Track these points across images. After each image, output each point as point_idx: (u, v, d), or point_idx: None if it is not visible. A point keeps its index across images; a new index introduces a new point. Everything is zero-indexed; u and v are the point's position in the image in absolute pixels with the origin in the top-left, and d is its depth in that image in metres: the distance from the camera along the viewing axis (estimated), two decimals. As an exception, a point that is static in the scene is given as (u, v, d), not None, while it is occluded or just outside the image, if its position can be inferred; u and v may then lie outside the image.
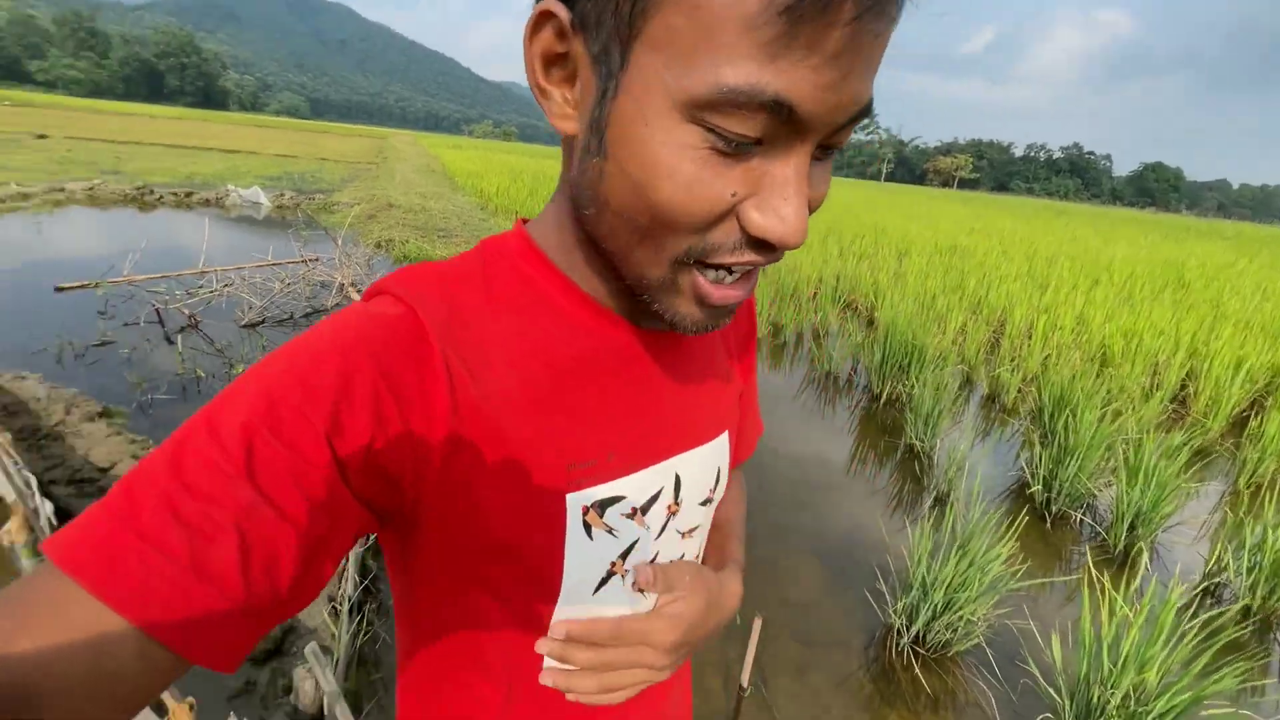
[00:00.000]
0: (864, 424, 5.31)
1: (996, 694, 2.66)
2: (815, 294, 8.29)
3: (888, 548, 3.62)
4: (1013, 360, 6.44)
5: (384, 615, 2.74)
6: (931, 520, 3.19)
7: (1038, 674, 2.56)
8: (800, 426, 5.22)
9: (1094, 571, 3.40)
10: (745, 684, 2.52)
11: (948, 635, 2.73)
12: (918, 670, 2.76)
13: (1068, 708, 2.33)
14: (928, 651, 2.82)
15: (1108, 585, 2.72)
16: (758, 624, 2.40)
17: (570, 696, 0.49)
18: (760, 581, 3.35)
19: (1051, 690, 2.42)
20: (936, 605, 2.66)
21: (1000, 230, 19.05)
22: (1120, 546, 3.74)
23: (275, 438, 0.34)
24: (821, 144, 0.37)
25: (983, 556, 2.63)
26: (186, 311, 5.98)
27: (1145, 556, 3.59)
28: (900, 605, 2.86)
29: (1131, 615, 2.34)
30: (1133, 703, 2.16)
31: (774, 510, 4.01)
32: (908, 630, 2.81)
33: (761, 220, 0.36)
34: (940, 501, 4.16)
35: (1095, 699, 2.24)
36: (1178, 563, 3.72)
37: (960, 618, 2.67)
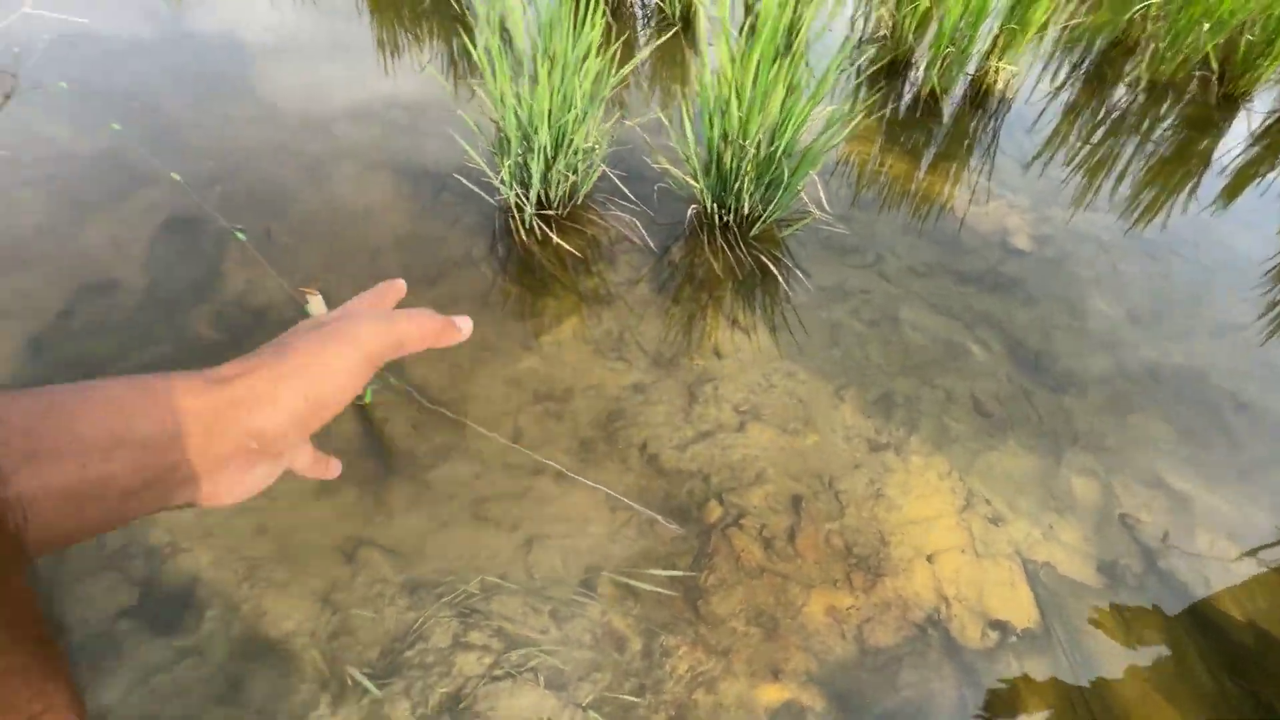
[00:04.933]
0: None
1: (638, 215, 2.27)
2: None
3: (453, 116, 2.68)
4: None
5: None
6: (485, 48, 2.23)
7: (670, 168, 2.18)
8: None
9: (664, 36, 3.01)
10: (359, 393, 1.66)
11: (571, 179, 2.11)
12: (555, 238, 2.19)
13: (707, 188, 2.01)
14: (557, 210, 2.23)
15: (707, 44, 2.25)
16: (316, 304, 1.41)
17: None
18: (321, 255, 2.24)
19: (689, 179, 2.06)
20: (546, 148, 1.93)
21: None
22: (677, 12, 3.38)
23: None
24: None
25: (574, 54, 1.85)
26: None
27: (702, 12, 3.29)
28: (506, 171, 2.07)
29: (734, 59, 1.90)
30: (763, 145, 1.88)
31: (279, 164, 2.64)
32: (527, 197, 2.11)
33: None
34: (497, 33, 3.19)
35: (731, 161, 1.92)
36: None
37: (575, 151, 2.01)
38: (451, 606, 1.44)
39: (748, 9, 3.41)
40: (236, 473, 0.32)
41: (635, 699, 1.34)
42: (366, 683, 1.27)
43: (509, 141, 1.93)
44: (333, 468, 0.42)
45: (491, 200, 2.28)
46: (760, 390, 1.98)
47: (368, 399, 1.72)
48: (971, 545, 1.67)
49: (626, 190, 2.27)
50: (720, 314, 2.16)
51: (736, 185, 1.96)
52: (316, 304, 1.39)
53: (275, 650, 1.34)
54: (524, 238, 2.18)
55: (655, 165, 2.26)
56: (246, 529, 1.52)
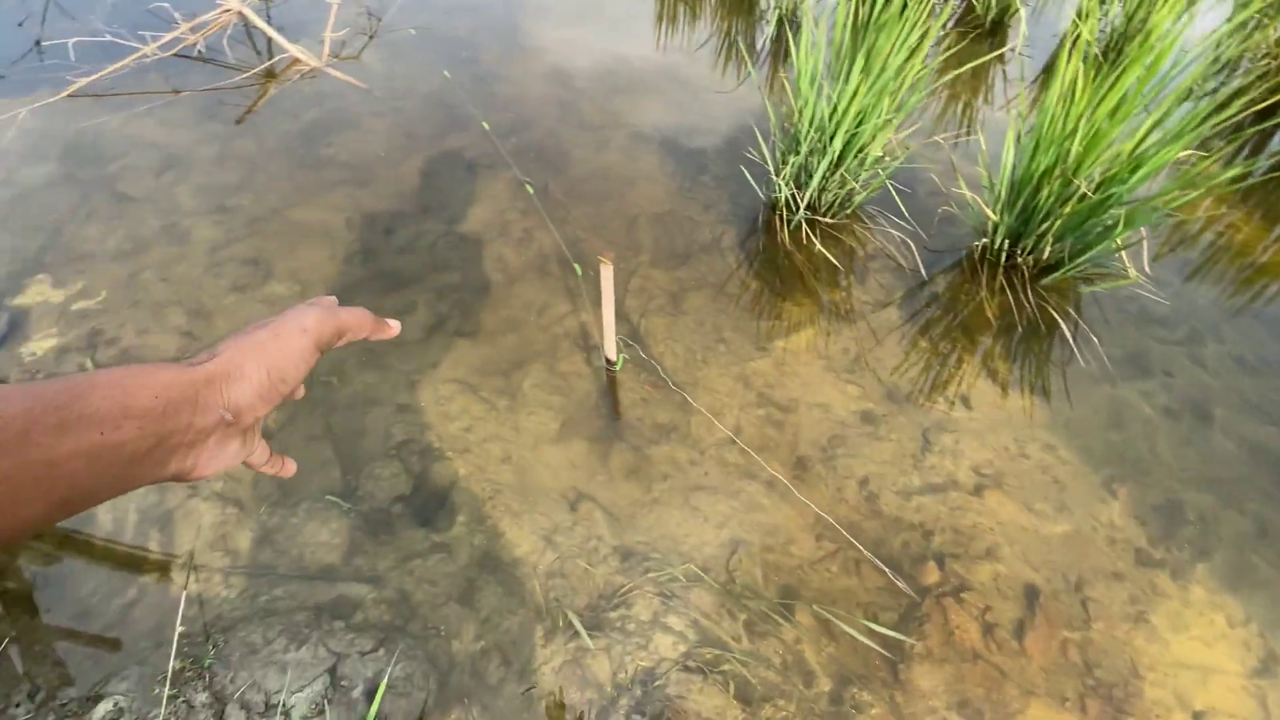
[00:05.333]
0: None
1: (910, 236, 2.11)
2: None
3: (751, 105, 2.68)
4: None
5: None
6: (802, 43, 2.16)
7: (965, 191, 1.98)
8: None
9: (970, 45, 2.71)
10: (612, 356, 1.76)
11: (850, 186, 2.01)
12: (818, 244, 2.12)
13: (1005, 223, 1.79)
14: (826, 215, 2.14)
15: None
16: (607, 271, 1.50)
17: None
18: (586, 215, 2.39)
19: (987, 208, 1.85)
20: (834, 153, 1.85)
21: None
22: (990, 14, 3.02)
23: None
24: None
25: (895, 58, 1.72)
26: None
27: (1022, 11, 2.91)
28: (788, 170, 2.03)
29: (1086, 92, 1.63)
30: (1094, 186, 1.62)
31: (563, 118, 2.83)
32: (799, 198, 2.05)
33: None
34: (786, 22, 3.11)
35: (1048, 198, 1.68)
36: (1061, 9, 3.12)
37: (862, 159, 1.91)
38: (656, 584, 1.50)
39: (1080, 16, 2.95)
40: (216, 447, 0.39)
41: (819, 742, 1.30)
42: (582, 630, 1.38)
43: (799, 139, 1.88)
44: (287, 467, 0.48)
45: (759, 191, 2.26)
46: (1008, 456, 1.77)
47: (619, 366, 1.83)
48: (1260, 720, 1.35)
49: (903, 207, 2.11)
50: (977, 360, 1.95)
51: (1044, 225, 1.72)
52: (607, 273, 1.48)
53: (505, 570, 1.51)
54: (785, 237, 2.14)
55: (945, 189, 2.07)
56: (495, 454, 1.72)
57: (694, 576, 1.52)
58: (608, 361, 1.79)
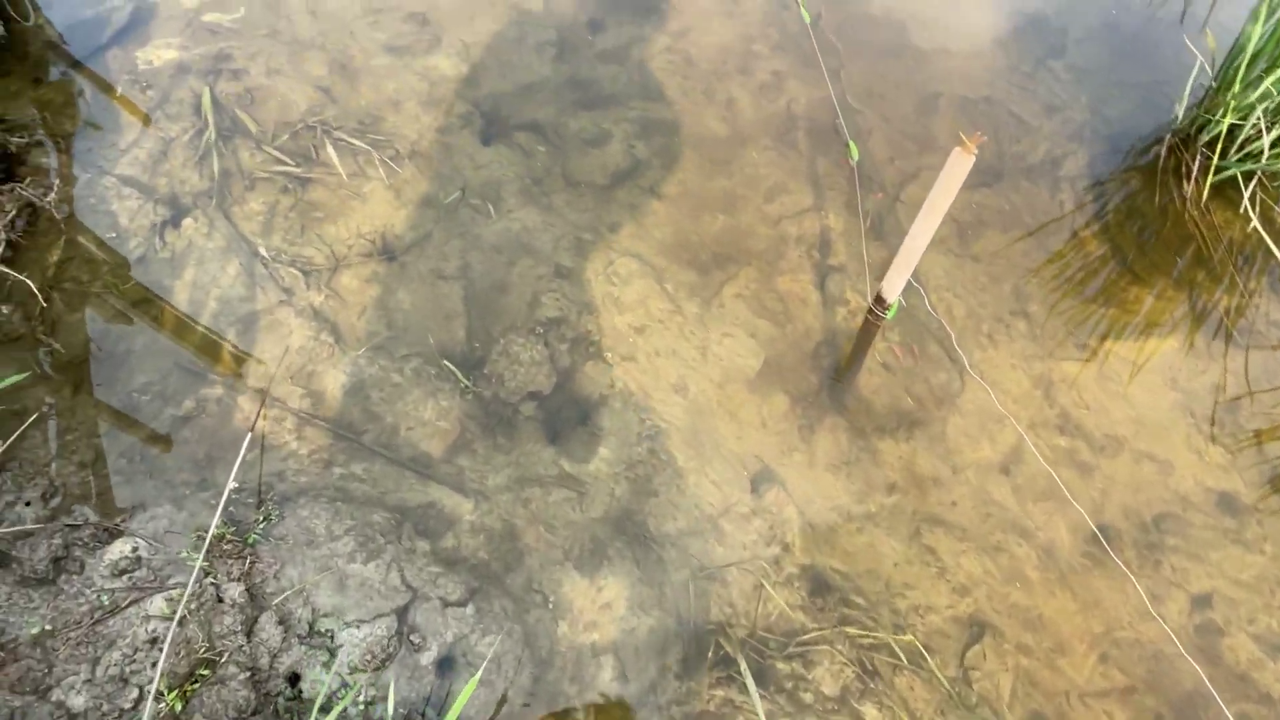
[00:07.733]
0: None
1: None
2: None
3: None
4: None
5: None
6: None
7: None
8: None
9: None
10: (890, 296, 1.13)
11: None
12: (1255, 218, 1.33)
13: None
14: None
15: None
16: (961, 163, 0.84)
17: None
18: (866, 74, 1.67)
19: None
20: None
21: None
22: None
23: None
24: None
25: None
26: None
27: None
28: (1248, 85, 1.22)
29: None
30: None
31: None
32: (1265, 129, 1.25)
33: None
34: None
35: None
36: None
37: None
38: (854, 646, 1.00)
39: None
40: None
41: None
42: (750, 679, 0.92)
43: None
44: None
45: (1163, 109, 1.44)
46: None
47: (892, 313, 1.20)
48: None
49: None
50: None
51: None
52: (962, 165, 0.84)
53: (648, 545, 1.05)
54: (1189, 189, 1.34)
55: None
56: (668, 376, 1.21)
57: (913, 655, 1.01)
58: (877, 301, 1.18)
